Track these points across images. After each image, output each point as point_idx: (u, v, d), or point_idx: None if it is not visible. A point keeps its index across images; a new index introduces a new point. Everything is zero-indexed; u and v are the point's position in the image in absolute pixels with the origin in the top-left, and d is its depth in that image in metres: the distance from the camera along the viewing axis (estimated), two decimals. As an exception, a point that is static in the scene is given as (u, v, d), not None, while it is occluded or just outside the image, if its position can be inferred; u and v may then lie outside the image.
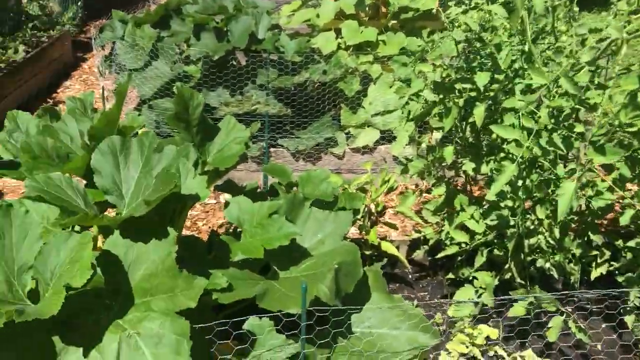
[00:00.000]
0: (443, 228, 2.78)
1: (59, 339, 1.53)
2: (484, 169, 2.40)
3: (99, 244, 2.10)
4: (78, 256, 1.53)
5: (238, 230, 2.33)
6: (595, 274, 2.62)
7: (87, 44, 8.78)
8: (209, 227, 4.14)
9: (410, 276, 3.17)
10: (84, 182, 2.08)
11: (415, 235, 2.93)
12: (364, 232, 2.85)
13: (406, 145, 2.88)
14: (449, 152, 2.53)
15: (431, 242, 2.91)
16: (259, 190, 2.79)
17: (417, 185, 3.98)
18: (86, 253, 1.51)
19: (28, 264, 1.58)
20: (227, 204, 2.11)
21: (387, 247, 2.83)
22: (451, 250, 2.66)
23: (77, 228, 2.03)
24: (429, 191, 3.15)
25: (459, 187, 3.01)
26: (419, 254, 3.09)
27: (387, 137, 4.42)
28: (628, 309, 2.43)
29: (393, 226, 2.99)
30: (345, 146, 4.51)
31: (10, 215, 1.58)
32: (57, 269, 1.56)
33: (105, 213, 1.75)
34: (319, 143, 4.39)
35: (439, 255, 2.72)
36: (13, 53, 5.87)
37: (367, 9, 4.61)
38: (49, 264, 1.57)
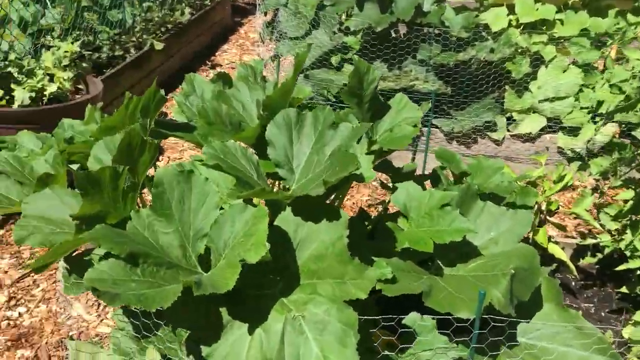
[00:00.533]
0: (624, 237, 2.46)
1: (225, 311, 1.52)
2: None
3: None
4: (253, 230, 1.49)
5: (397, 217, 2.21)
6: None
7: (245, 9, 9.05)
8: (353, 204, 4.08)
9: (573, 284, 2.88)
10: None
11: (589, 241, 2.62)
12: (530, 232, 2.60)
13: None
14: (649, 153, 2.20)
15: (606, 250, 2.59)
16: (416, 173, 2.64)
17: (596, 185, 3.60)
18: (261, 227, 1.46)
19: (203, 231, 1.57)
20: (394, 187, 1.99)
21: (555, 250, 2.57)
22: (635, 264, 2.34)
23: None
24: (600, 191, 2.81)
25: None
26: (587, 261, 2.78)
27: (554, 125, 4.04)
28: None
29: (562, 228, 2.71)
30: (505, 131, 4.20)
31: (191, 182, 1.58)
32: (230, 240, 1.54)
33: (277, 188, 1.71)
34: (476, 126, 4.12)
35: (620, 268, 2.41)
36: (180, 15, 6.15)
37: (547, -18, 4.20)
38: (223, 234, 1.55)
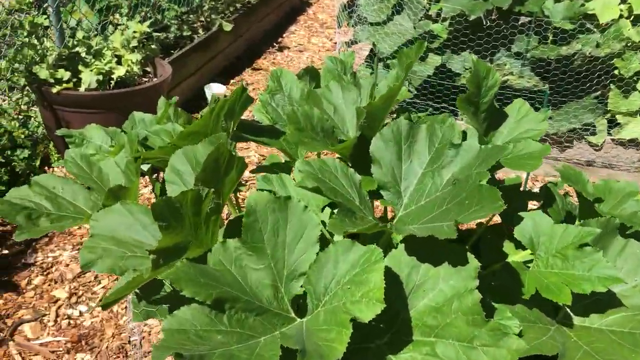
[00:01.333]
0: None
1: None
2: None
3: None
4: (363, 278, 1.21)
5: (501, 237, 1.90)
6: None
7: (314, -12, 8.69)
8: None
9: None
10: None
11: None
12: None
13: None
14: None
15: None
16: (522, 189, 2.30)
17: None
18: (376, 277, 1.18)
19: (299, 270, 1.31)
20: (518, 218, 1.66)
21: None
22: None
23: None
24: None
25: None
26: None
27: (667, 132, 3.58)
28: None
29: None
30: (605, 135, 3.77)
31: (287, 210, 1.31)
32: (332, 284, 1.27)
33: (390, 222, 1.42)
34: (574, 128, 3.70)
35: None
36: (249, -6, 5.90)
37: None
38: (323, 276, 1.28)
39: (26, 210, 1.65)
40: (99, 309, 2.80)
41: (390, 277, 1.35)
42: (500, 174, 3.42)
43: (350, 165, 1.75)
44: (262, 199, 1.29)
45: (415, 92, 3.88)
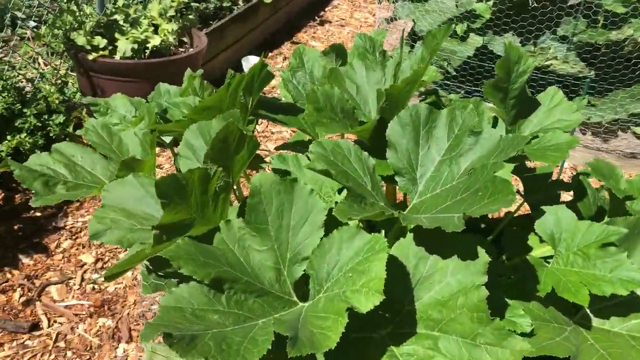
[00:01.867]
0: None
1: (322, 356, 1.22)
2: None
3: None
4: (366, 267, 1.17)
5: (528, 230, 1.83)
6: None
7: (360, -39, 8.52)
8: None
9: None
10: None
11: None
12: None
13: None
14: None
15: None
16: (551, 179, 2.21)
17: None
18: (378, 267, 1.15)
19: (302, 254, 1.28)
20: (540, 211, 1.59)
21: None
22: None
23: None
24: None
25: None
26: None
27: None
28: None
29: None
30: (652, 127, 3.58)
31: (293, 193, 1.28)
32: (335, 270, 1.24)
33: (400, 211, 1.37)
34: (619, 117, 3.53)
35: None
36: (293, -35, 5.81)
37: None
38: (326, 262, 1.25)
39: (44, 177, 1.67)
40: (123, 275, 2.86)
41: (397, 267, 1.31)
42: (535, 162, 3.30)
43: (369, 148, 1.71)
44: (267, 180, 1.26)
45: (454, 73, 3.77)
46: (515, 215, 2.27)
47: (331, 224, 1.33)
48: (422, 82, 2.00)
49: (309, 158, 1.63)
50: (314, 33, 6.05)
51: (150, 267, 1.58)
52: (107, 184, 1.49)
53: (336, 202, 1.66)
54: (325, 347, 1.04)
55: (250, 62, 4.83)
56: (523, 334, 1.39)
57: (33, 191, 1.63)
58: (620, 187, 1.83)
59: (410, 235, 1.32)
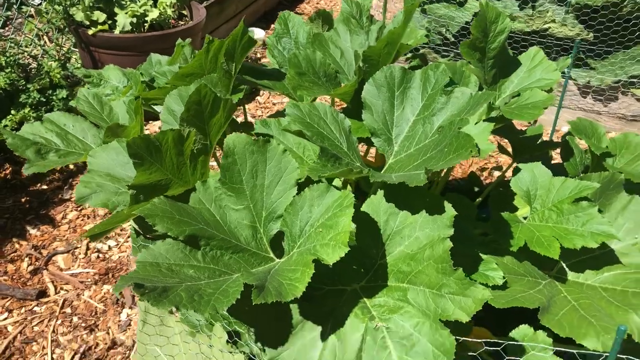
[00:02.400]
0: None
1: (296, 308, 1.28)
2: None
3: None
4: (334, 222, 1.22)
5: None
6: None
7: None
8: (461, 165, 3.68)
9: None
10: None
11: None
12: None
13: None
14: None
15: None
16: (542, 140, 2.22)
17: None
18: (344, 221, 1.19)
19: (277, 212, 1.33)
20: (517, 169, 1.62)
21: None
22: None
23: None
24: None
25: None
26: None
27: None
28: None
29: None
30: (653, 89, 3.55)
31: (266, 153, 1.32)
32: (307, 227, 1.29)
33: (370, 169, 1.41)
34: (619, 80, 3.50)
35: None
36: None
37: None
38: (299, 219, 1.30)
39: (36, 146, 1.73)
40: (127, 244, 2.95)
41: (368, 223, 1.35)
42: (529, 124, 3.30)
43: (352, 111, 1.74)
44: (241, 141, 1.31)
45: (453, 39, 3.75)
46: (505, 178, 2.30)
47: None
48: (407, 45, 2.02)
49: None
50: (317, 3, 6.02)
51: (139, 230, 1.65)
52: (91, 150, 1.54)
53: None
54: (291, 295, 1.10)
55: (254, 34, 4.83)
56: (495, 287, 1.44)
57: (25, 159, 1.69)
58: (602, 145, 1.85)
59: (380, 192, 1.36)
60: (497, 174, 3.32)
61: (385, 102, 1.52)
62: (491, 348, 1.29)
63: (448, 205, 1.29)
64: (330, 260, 1.16)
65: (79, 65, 3.96)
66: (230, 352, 1.62)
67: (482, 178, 3.32)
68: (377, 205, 1.36)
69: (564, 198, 1.52)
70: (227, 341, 1.64)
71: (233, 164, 1.31)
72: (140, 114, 1.69)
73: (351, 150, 1.48)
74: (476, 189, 2.73)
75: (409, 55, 3.08)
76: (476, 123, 1.69)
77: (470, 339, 1.48)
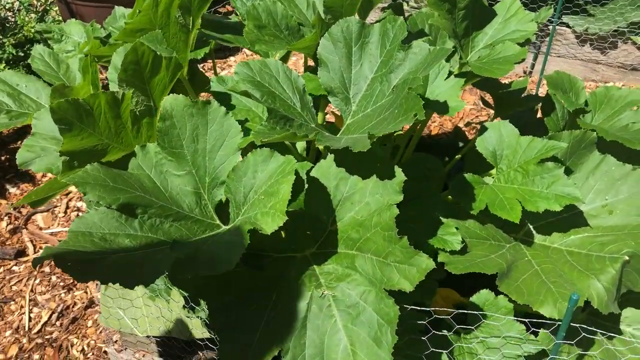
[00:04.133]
0: None
1: (241, 277, 1.24)
2: None
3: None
4: (275, 189, 1.16)
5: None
6: None
7: None
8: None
9: None
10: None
11: None
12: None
13: None
14: None
15: None
16: (527, 94, 2.12)
17: None
18: (285, 189, 1.13)
19: (220, 178, 1.27)
20: (483, 127, 1.54)
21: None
22: None
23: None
24: None
25: None
26: None
27: None
28: None
29: None
30: (654, 36, 3.40)
31: (207, 115, 1.25)
32: (251, 194, 1.23)
33: (320, 132, 1.33)
34: (618, 27, 3.35)
35: None
36: None
37: None
38: (242, 185, 1.24)
39: (-16, 107, 1.67)
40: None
41: (318, 188, 1.29)
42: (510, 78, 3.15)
43: (315, 67, 1.65)
44: (179, 103, 1.24)
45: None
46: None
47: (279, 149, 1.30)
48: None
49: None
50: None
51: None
52: (36, 112, 1.48)
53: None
54: (224, 267, 1.05)
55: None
56: (453, 252, 1.39)
57: None
58: (580, 100, 1.75)
59: (330, 157, 1.29)
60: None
61: (342, 59, 1.44)
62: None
63: (398, 170, 1.22)
64: (268, 230, 1.10)
65: (60, 19, 3.84)
66: (188, 317, 1.60)
67: (469, 134, 3.22)
68: (327, 170, 1.29)
69: (530, 158, 1.44)
70: (184, 306, 1.61)
71: (172, 128, 1.24)
72: (90, 73, 1.61)
73: (305, 110, 1.40)
74: (461, 144, 2.65)
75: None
76: (446, 78, 1.61)
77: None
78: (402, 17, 1.36)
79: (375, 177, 1.25)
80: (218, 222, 1.30)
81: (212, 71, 2.23)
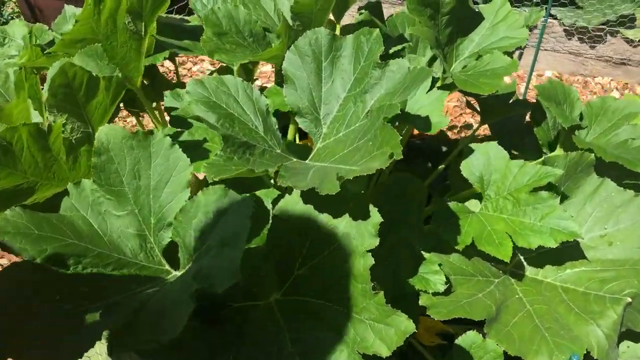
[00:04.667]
0: None
1: (193, 334, 1.08)
2: None
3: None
4: (229, 235, 0.99)
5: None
6: None
7: None
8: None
9: None
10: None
11: None
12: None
13: None
14: None
15: None
16: (514, 99, 1.97)
17: None
18: (240, 237, 0.96)
19: (167, 218, 1.10)
20: (468, 150, 1.38)
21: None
22: None
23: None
24: None
25: None
26: None
27: None
28: None
29: None
30: (645, 30, 3.26)
31: (149, 148, 1.07)
32: (202, 238, 1.06)
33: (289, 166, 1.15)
34: (608, 20, 3.20)
35: None
36: None
37: None
38: (192, 229, 1.07)
39: None
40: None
41: (283, 227, 1.13)
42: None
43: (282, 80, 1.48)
44: (116, 135, 1.06)
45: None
46: (477, 134, 2.06)
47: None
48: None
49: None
50: None
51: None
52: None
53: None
54: (165, 339, 0.88)
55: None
56: (436, 294, 1.24)
57: None
58: (575, 113, 1.60)
59: (296, 192, 1.12)
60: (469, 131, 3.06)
61: (311, 75, 1.26)
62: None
63: (374, 211, 1.05)
64: (219, 289, 0.94)
65: (18, 12, 3.60)
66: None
67: (452, 137, 3.07)
68: (293, 206, 1.12)
69: (522, 186, 1.29)
70: None
71: (109, 163, 1.07)
72: (26, 88, 1.42)
73: (269, 133, 1.23)
74: (444, 149, 2.50)
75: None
76: (428, 91, 1.45)
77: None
78: (378, 30, 1.19)
79: (347, 216, 1.08)
80: (167, 267, 1.13)
81: (188, 69, 2.04)
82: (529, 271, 1.38)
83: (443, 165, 1.92)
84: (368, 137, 1.07)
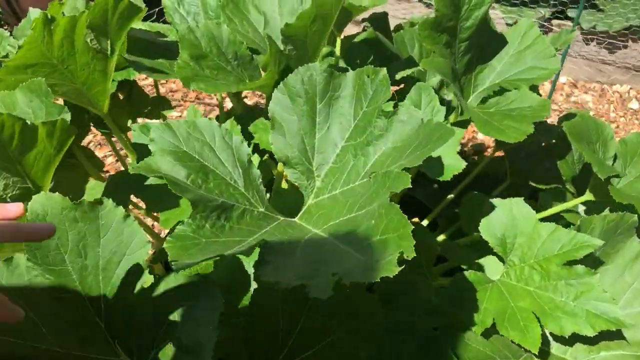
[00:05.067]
0: None
1: None
2: None
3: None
4: (193, 339, 0.78)
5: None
6: None
7: None
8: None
9: None
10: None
11: None
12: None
13: None
14: None
15: None
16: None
17: None
18: (207, 342, 0.76)
19: (122, 308, 0.89)
20: (489, 206, 1.16)
21: None
22: None
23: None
24: None
25: None
26: None
27: None
28: None
29: None
30: (669, 36, 3.03)
31: (97, 220, 0.86)
32: (161, 336, 0.85)
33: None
34: (630, 25, 2.97)
35: None
36: None
37: None
38: (152, 323, 0.86)
39: None
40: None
41: (264, 313, 0.92)
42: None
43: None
44: (55, 205, 0.84)
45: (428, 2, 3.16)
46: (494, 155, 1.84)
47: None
48: (361, 7, 1.52)
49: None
50: None
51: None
52: None
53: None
54: None
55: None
56: (449, 386, 1.04)
57: None
58: (609, 154, 1.39)
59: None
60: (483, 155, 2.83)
61: (302, 118, 1.04)
62: None
63: (378, 305, 0.85)
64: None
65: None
66: None
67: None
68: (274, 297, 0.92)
69: (552, 255, 1.08)
70: None
71: (47, 239, 0.85)
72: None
73: (251, 190, 1.01)
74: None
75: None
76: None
77: None
78: (384, 70, 0.96)
79: (345, 313, 0.87)
80: (123, 356, 0.93)
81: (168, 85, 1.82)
82: (556, 349, 1.18)
83: (452, 195, 1.72)
84: (370, 209, 0.86)
